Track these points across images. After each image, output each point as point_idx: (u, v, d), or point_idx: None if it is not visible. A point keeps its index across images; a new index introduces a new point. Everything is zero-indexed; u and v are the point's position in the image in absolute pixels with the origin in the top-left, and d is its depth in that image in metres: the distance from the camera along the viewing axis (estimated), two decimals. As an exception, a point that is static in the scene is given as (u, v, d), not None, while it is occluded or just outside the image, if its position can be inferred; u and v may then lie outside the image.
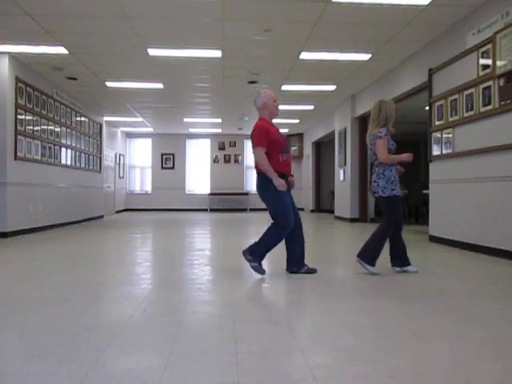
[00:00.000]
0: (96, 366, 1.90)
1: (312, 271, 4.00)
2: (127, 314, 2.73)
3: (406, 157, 3.98)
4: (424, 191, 8.67)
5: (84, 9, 5.36)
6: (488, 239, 5.17)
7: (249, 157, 16.42)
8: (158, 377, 1.80)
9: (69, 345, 2.18)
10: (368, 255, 3.93)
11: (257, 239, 3.98)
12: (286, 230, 3.86)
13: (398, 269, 4.06)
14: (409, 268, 4.04)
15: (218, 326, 2.51)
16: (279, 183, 3.76)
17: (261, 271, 3.89)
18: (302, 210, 15.43)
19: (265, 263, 3.92)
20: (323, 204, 15.44)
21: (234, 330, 2.38)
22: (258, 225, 10.51)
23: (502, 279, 3.94)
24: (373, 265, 3.92)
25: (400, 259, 4.05)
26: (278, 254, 4.49)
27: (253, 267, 3.90)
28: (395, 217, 3.94)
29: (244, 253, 3.94)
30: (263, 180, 3.86)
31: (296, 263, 4.00)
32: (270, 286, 3.60)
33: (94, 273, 4.27)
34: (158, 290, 3.48)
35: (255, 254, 3.89)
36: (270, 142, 3.83)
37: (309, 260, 4.10)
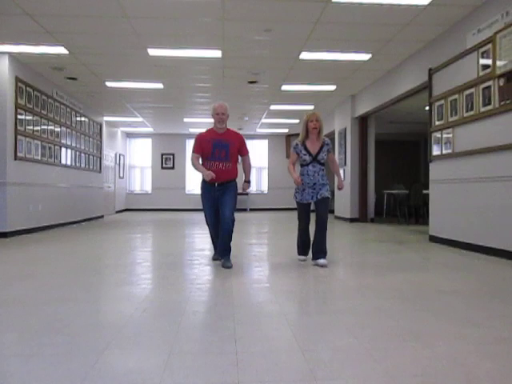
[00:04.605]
0: (96, 366, 1.90)
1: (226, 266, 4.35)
2: (127, 314, 2.73)
3: (294, 179, 4.43)
4: (424, 191, 8.68)
5: (84, 9, 5.36)
6: (488, 239, 5.17)
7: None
8: (158, 377, 1.80)
9: (69, 345, 2.18)
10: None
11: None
12: (207, 224, 4.63)
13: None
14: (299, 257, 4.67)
15: (218, 326, 2.51)
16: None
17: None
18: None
19: (264, 264, 3.92)
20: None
21: (234, 330, 2.38)
22: (258, 225, 10.51)
23: (501, 279, 3.94)
24: (298, 253, 4.66)
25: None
26: (278, 255, 4.50)
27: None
28: (298, 216, 4.57)
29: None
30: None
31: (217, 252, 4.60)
32: (270, 286, 3.60)
33: (94, 273, 4.27)
34: (158, 290, 3.48)
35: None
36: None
37: (309, 261, 4.08)
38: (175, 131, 15.70)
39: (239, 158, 4.59)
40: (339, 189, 4.75)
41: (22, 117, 7.52)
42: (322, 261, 4.32)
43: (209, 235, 4.83)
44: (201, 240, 7.18)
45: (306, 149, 4.42)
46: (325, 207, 4.42)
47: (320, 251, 4.38)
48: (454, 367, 1.92)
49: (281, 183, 16.30)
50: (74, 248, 6.13)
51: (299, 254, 4.67)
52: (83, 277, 3.99)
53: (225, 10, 5.40)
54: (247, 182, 4.62)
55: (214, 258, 4.71)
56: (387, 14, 5.47)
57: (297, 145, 4.47)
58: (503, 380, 1.81)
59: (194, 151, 4.46)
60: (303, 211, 4.51)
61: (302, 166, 4.49)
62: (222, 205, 4.37)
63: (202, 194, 4.51)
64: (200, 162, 4.47)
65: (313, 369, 1.88)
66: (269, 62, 7.56)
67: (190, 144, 16.71)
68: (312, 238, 4.51)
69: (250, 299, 3.21)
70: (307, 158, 4.41)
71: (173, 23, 5.85)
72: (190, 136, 16.44)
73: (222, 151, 4.34)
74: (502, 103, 4.87)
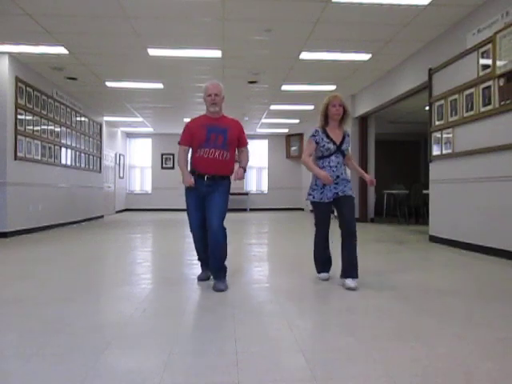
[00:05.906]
0: (96, 366, 1.90)
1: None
2: (127, 314, 2.73)
3: (322, 176, 3.49)
4: (424, 191, 8.67)
5: (84, 9, 5.36)
6: (488, 239, 5.17)
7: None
8: (158, 377, 1.80)
9: (69, 345, 2.18)
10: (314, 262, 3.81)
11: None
12: (191, 231, 3.78)
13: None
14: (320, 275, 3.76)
15: (218, 326, 2.51)
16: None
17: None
18: (301, 210, 15.57)
19: (264, 264, 3.90)
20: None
21: (234, 330, 2.38)
22: (258, 225, 10.51)
23: (502, 279, 3.94)
24: (318, 271, 3.77)
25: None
26: (278, 256, 4.49)
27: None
28: (316, 222, 3.72)
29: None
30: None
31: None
32: (269, 286, 3.60)
33: (94, 273, 4.27)
34: (158, 290, 3.48)
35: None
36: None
37: (309, 261, 4.08)
38: (175, 131, 15.59)
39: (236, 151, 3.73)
40: (371, 185, 3.73)
41: (22, 117, 7.51)
42: (350, 282, 3.38)
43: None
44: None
45: (328, 136, 3.62)
46: (351, 208, 3.55)
47: (350, 267, 3.43)
48: (454, 367, 1.92)
49: (281, 183, 16.27)
50: (74, 248, 6.12)
51: (319, 271, 3.75)
52: (83, 277, 3.99)
53: (225, 9, 5.40)
54: (243, 168, 3.64)
55: (201, 278, 3.77)
56: (387, 13, 5.47)
57: (317, 132, 3.64)
58: (503, 380, 1.81)
59: (180, 142, 3.61)
60: (323, 213, 3.65)
61: (321, 158, 3.63)
62: (208, 209, 3.51)
63: (186, 194, 3.64)
64: (189, 156, 3.68)
65: (313, 369, 1.88)
66: (269, 61, 7.56)
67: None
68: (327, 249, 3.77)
69: (250, 299, 3.21)
70: (331, 146, 3.58)
71: (173, 23, 5.85)
72: (190, 136, 16.43)
73: (218, 137, 3.51)
74: (502, 103, 4.87)
